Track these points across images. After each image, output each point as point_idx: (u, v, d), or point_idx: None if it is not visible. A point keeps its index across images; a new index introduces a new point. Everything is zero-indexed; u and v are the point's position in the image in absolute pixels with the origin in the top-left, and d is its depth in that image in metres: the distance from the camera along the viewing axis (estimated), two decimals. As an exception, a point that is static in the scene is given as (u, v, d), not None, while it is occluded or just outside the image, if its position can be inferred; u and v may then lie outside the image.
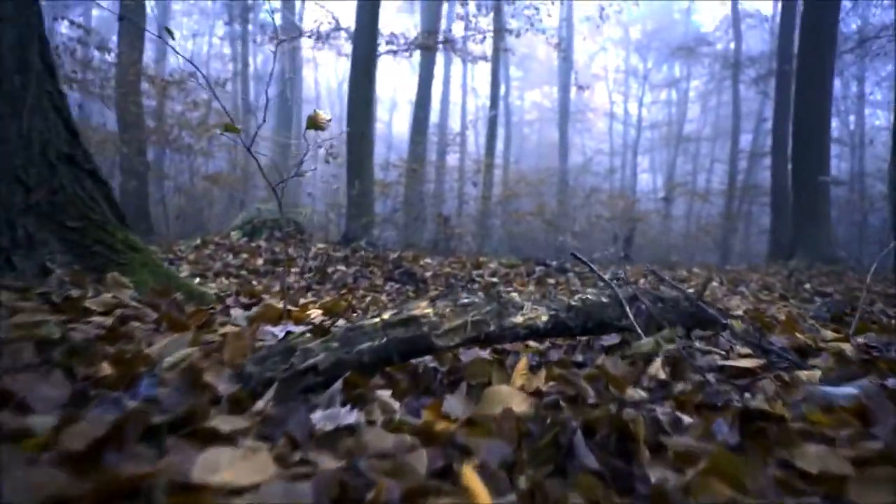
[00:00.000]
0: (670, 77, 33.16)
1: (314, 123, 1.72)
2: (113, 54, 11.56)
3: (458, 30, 17.29)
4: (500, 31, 13.27)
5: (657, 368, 1.19)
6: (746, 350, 1.46)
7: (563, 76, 25.81)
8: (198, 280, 3.83)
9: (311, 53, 33.03)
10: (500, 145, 28.61)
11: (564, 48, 16.36)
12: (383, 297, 3.97)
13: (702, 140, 30.91)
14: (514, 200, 17.78)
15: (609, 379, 1.12)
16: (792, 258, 10.91)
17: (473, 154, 25.94)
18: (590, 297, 1.39)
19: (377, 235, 12.11)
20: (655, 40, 30.84)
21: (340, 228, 12.03)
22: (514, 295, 1.26)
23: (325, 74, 34.62)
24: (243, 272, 4.38)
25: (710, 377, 1.16)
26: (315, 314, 1.86)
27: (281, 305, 2.15)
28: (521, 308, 1.23)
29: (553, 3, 14.52)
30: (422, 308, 1.09)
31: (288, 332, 1.34)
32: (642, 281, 5.23)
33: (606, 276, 5.33)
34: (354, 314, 2.12)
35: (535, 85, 39.17)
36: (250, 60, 29.29)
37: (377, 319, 1.06)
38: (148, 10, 13.52)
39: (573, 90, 22.77)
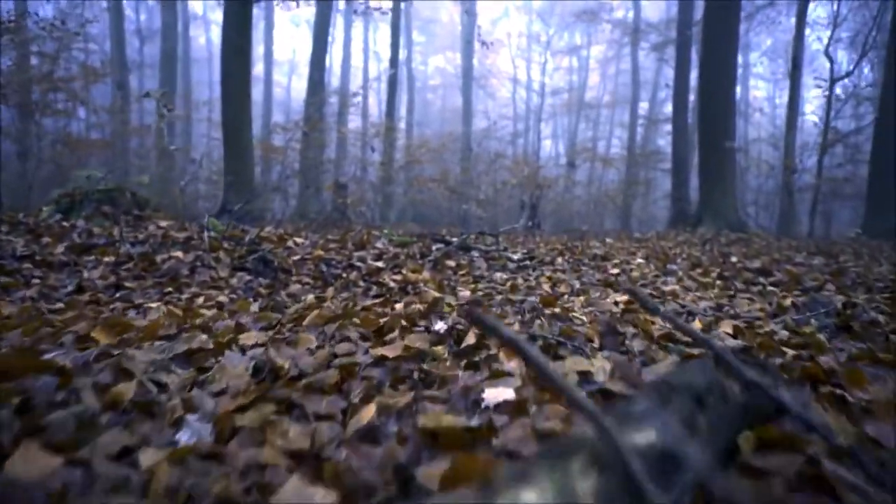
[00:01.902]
0: (572, 44, 33.04)
1: None
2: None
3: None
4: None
5: None
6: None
7: (466, 39, 24.85)
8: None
9: (202, 8, 30.10)
10: (402, 111, 27.50)
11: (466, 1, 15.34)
12: (223, 297, 2.89)
13: (602, 107, 31.18)
14: (416, 167, 16.79)
15: None
16: (699, 225, 10.66)
17: (376, 119, 24.67)
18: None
19: (263, 207, 10.78)
20: (557, 5, 30.42)
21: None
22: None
23: (219, 33, 31.95)
24: (27, 266, 3.15)
25: None
26: None
27: None
28: None
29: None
30: None
31: None
32: (561, 260, 4.41)
33: (516, 256, 4.48)
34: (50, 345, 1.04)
35: (439, 50, 38.10)
36: (130, 14, 26.10)
37: None
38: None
39: (476, 48, 21.91)
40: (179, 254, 3.52)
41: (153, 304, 2.58)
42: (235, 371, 1.16)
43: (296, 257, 3.70)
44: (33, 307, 2.26)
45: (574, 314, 2.03)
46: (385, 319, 1.66)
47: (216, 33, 31.54)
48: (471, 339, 1.39)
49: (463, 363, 1.27)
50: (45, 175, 12.20)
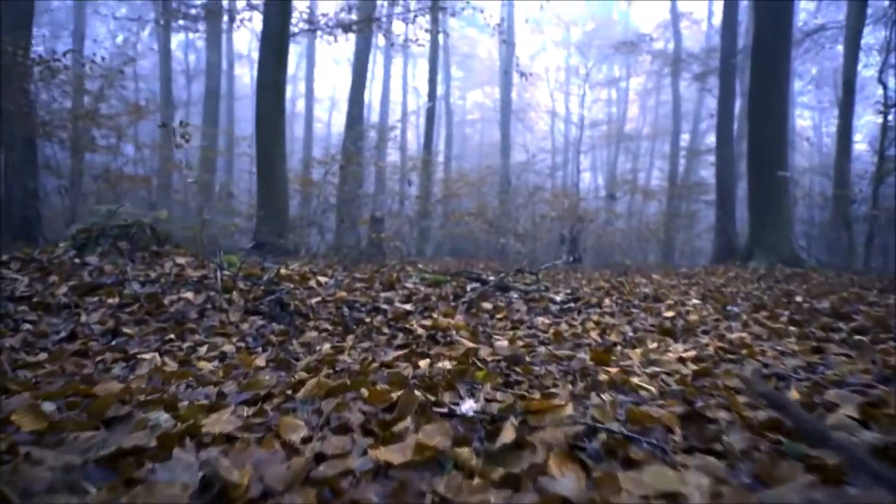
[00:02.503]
0: (611, 76, 32.77)
1: None
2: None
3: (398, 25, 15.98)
4: (435, 7, 12.00)
5: None
6: None
7: (504, 70, 24.81)
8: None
9: (247, 48, 30.90)
10: (441, 145, 27.46)
11: (504, 31, 15.23)
12: (229, 346, 2.57)
13: (642, 139, 30.66)
14: (454, 200, 16.54)
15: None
16: (749, 259, 10.02)
17: (414, 153, 24.68)
18: None
19: (299, 241, 10.60)
20: (596, 39, 30.27)
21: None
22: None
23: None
24: (23, 308, 2.90)
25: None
26: None
27: None
28: None
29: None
30: None
31: None
32: (608, 301, 3.98)
33: (559, 297, 4.08)
34: None
35: (477, 85, 38.36)
36: (180, 55, 27.00)
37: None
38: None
39: (515, 81, 21.83)
40: (190, 295, 3.24)
41: (147, 356, 2.28)
42: (171, 491, 0.81)
43: (316, 299, 3.38)
44: (6, 361, 1.96)
45: (637, 381, 1.63)
46: (399, 393, 1.29)
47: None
48: (508, 433, 1.01)
49: (497, 475, 0.90)
50: (87, 211, 12.30)
